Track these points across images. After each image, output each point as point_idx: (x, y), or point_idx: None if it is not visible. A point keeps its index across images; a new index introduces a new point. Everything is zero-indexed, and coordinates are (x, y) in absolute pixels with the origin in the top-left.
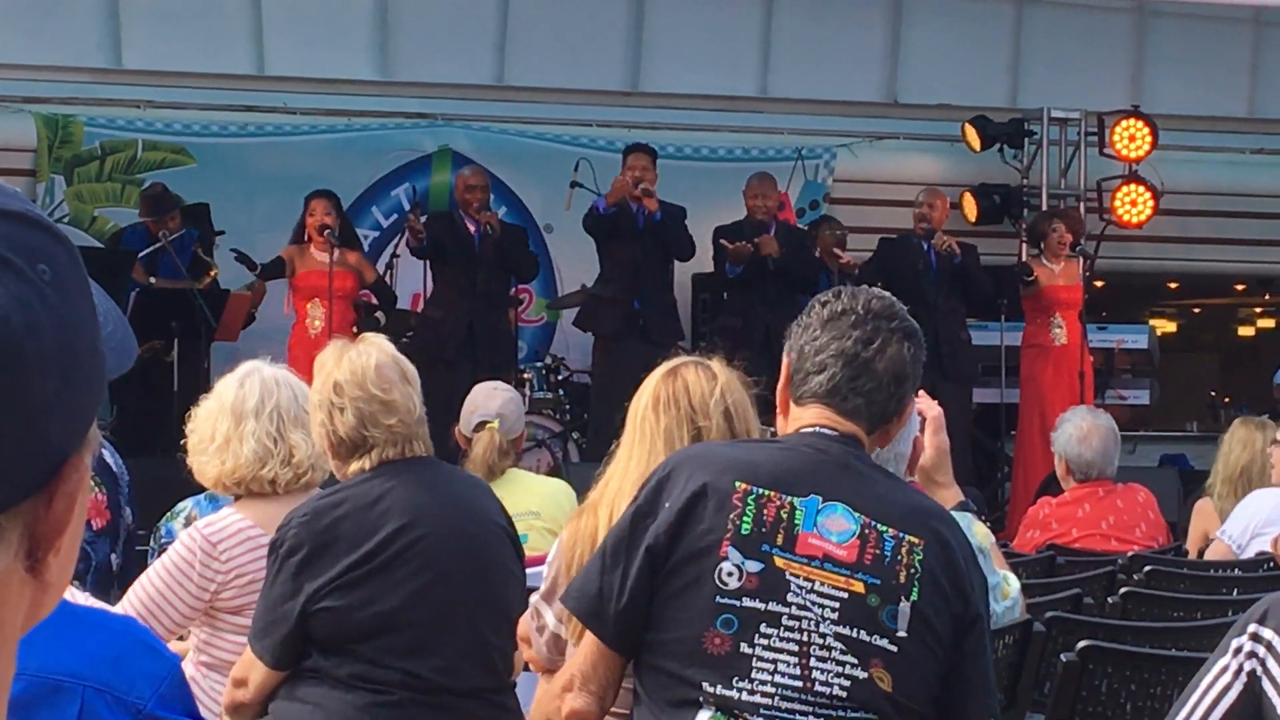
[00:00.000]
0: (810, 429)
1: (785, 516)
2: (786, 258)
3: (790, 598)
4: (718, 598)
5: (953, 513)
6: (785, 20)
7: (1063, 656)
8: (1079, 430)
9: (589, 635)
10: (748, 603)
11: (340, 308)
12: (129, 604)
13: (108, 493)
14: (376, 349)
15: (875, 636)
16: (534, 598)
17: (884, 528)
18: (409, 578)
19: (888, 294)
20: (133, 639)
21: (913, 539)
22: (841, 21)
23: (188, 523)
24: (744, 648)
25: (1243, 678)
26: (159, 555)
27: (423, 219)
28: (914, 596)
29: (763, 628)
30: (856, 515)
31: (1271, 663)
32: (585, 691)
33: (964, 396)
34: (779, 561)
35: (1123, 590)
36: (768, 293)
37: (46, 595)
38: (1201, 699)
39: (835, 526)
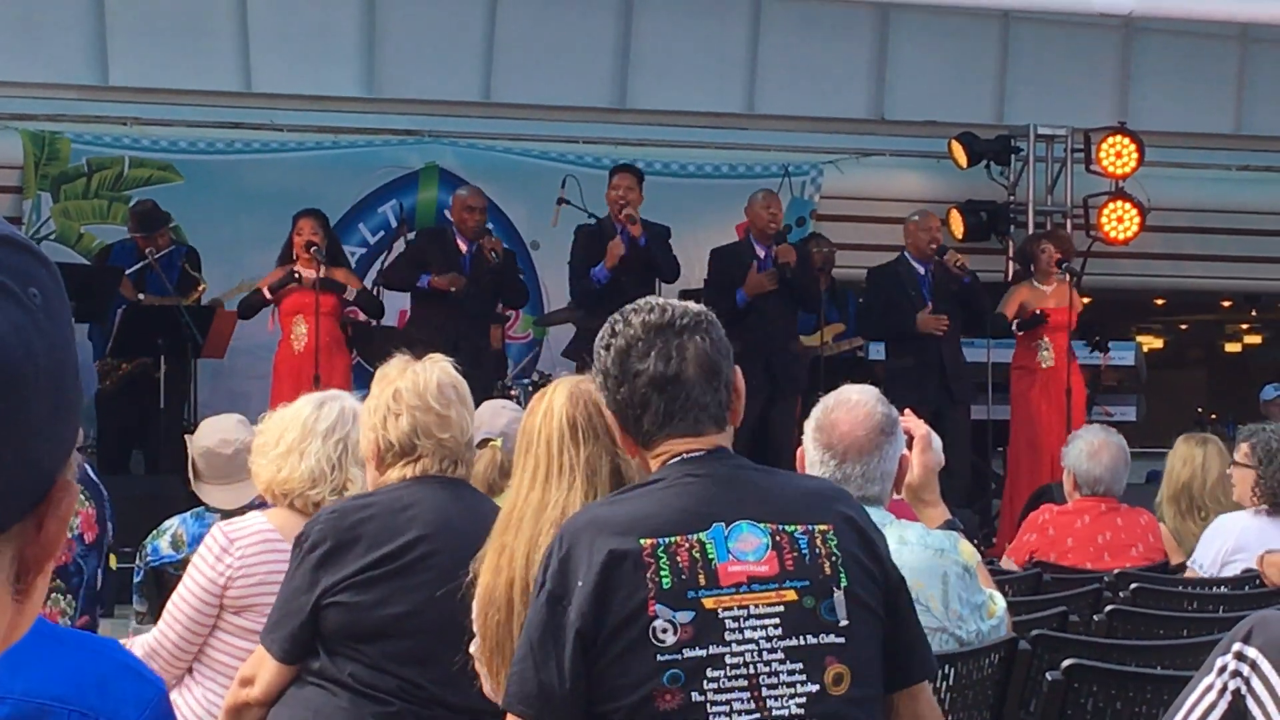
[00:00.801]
0: (675, 458)
1: (699, 556)
2: (796, 271)
3: (728, 635)
4: (659, 656)
5: (939, 531)
6: (772, 37)
7: (1048, 675)
8: (1090, 446)
9: None
10: (689, 653)
11: (326, 324)
12: (167, 607)
13: (95, 506)
14: (440, 368)
15: (823, 635)
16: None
17: (792, 528)
18: (422, 586)
19: (655, 301)
20: (118, 662)
21: (821, 527)
22: (828, 38)
23: (174, 541)
24: (695, 697)
25: (1227, 696)
26: (144, 573)
27: (412, 235)
28: (844, 583)
29: (709, 673)
30: (762, 526)
31: (1256, 681)
32: None
33: (966, 418)
34: (708, 603)
35: (1109, 608)
36: (767, 312)
37: (23, 617)
38: (1187, 717)
39: (747, 546)
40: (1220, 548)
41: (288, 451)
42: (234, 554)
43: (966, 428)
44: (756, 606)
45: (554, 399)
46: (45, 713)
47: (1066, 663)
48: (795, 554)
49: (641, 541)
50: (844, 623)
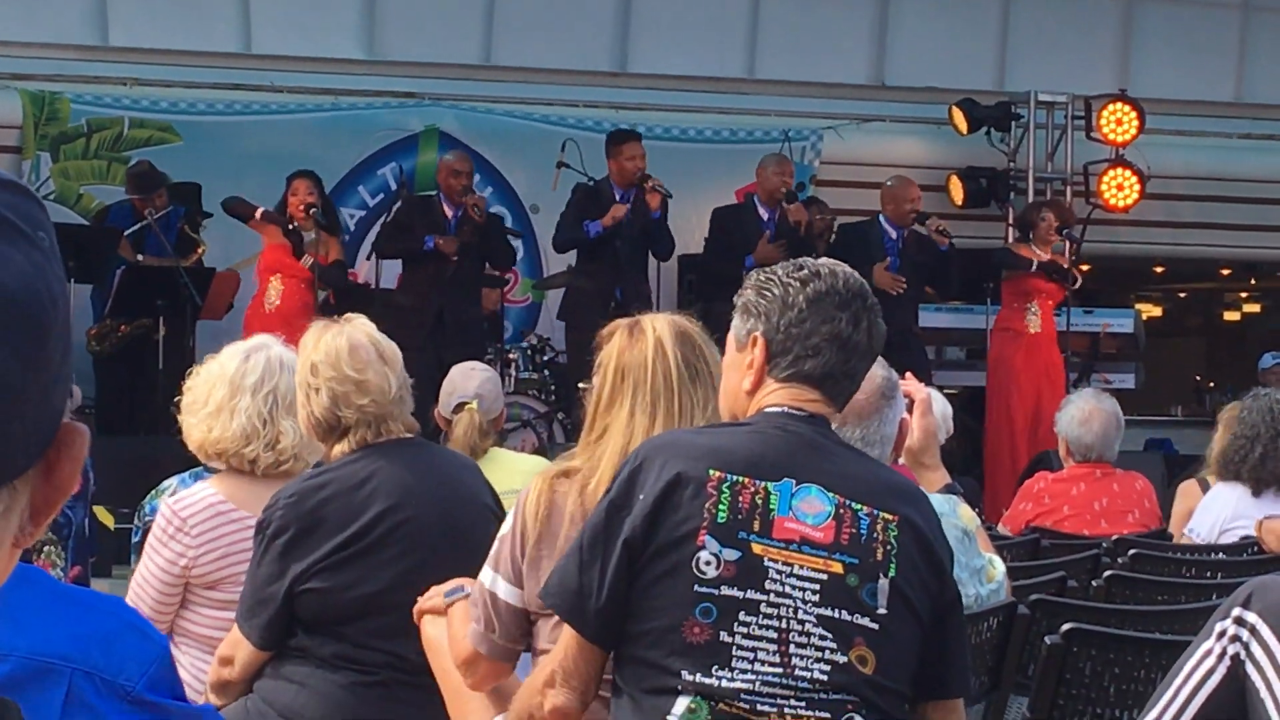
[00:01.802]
0: (776, 409)
1: (760, 502)
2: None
3: (768, 584)
4: (696, 586)
5: (938, 495)
6: (773, 2)
7: (1047, 639)
8: (1081, 412)
9: (569, 630)
10: (726, 591)
11: (301, 288)
12: (132, 584)
13: None
14: (353, 329)
15: (857, 615)
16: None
17: (858, 506)
18: (395, 559)
19: (852, 269)
20: (122, 621)
21: (887, 515)
22: (829, 4)
23: None
24: (723, 636)
25: (1226, 661)
26: (144, 533)
27: (399, 205)
28: (892, 573)
29: (741, 615)
30: (831, 495)
31: (1255, 646)
32: (567, 687)
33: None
34: (756, 548)
35: (1107, 573)
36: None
37: (12, 561)
38: (1185, 682)
39: (810, 509)
40: (1218, 516)
41: (217, 410)
42: (190, 533)
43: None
44: (801, 568)
45: (661, 337)
46: (49, 670)
47: (1065, 627)
48: (854, 530)
49: (710, 472)
50: (881, 611)
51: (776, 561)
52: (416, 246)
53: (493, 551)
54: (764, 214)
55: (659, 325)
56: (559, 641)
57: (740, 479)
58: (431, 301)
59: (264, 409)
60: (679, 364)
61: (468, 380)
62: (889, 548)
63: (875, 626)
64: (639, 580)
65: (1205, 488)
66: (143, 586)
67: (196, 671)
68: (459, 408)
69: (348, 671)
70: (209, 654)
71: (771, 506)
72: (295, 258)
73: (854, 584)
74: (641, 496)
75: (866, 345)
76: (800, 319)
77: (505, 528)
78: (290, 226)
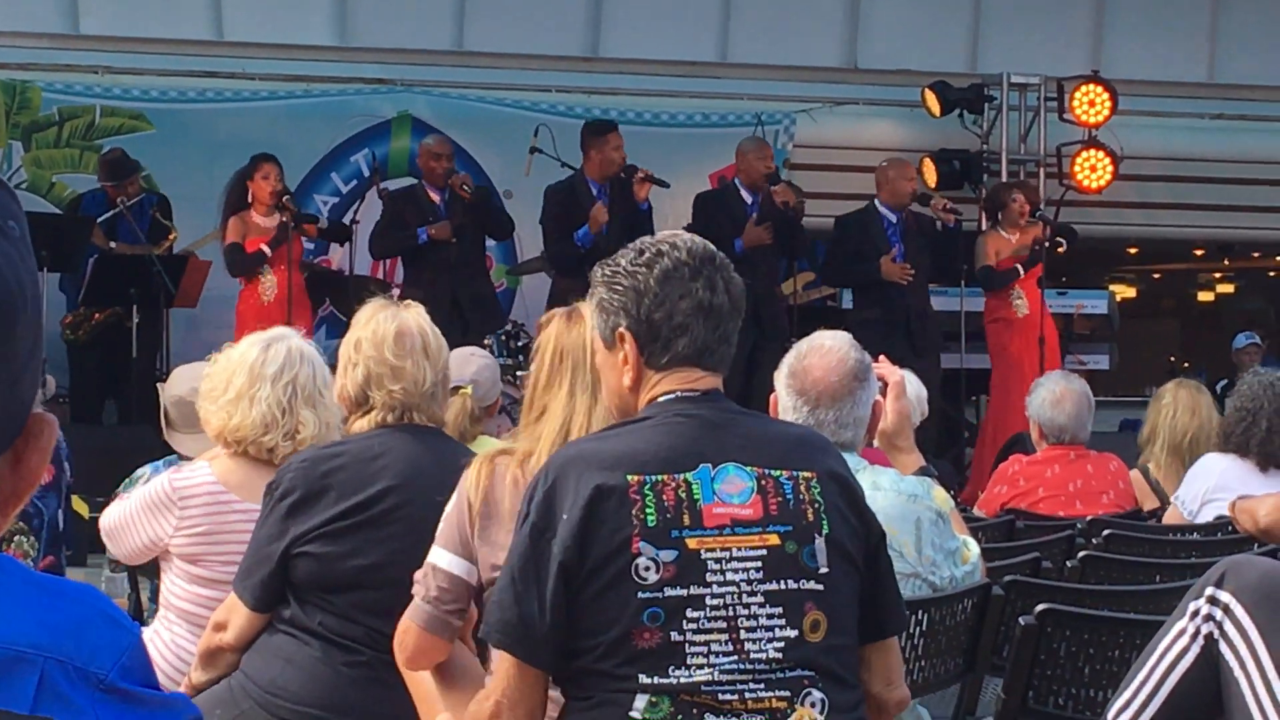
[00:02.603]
0: (668, 395)
1: (684, 495)
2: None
3: (709, 576)
4: (639, 593)
5: (913, 478)
6: None
7: (1021, 620)
8: (1052, 394)
9: (509, 659)
10: (670, 592)
11: (295, 275)
12: (109, 515)
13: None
14: (407, 315)
15: (803, 581)
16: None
17: (777, 472)
18: (393, 537)
19: (692, 235)
20: (93, 609)
21: (806, 474)
22: None
23: None
24: (674, 636)
25: (1200, 640)
26: None
27: (384, 185)
28: (825, 530)
29: (689, 613)
30: (749, 470)
31: (1228, 625)
32: (514, 716)
33: (935, 369)
34: (691, 543)
35: (1081, 554)
36: (755, 259)
37: None
38: (1159, 661)
39: (733, 489)
40: (1203, 486)
41: (237, 398)
42: (178, 510)
43: (936, 378)
44: (739, 549)
45: (559, 325)
46: (20, 660)
47: (1040, 608)
48: (780, 499)
49: (629, 478)
50: (824, 570)
51: (714, 550)
52: (411, 241)
53: (438, 531)
54: (748, 198)
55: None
56: (498, 672)
57: (659, 477)
58: (443, 289)
59: (284, 398)
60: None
61: (465, 365)
62: (817, 505)
63: (821, 587)
64: (580, 598)
65: (1146, 475)
66: (123, 535)
67: (179, 650)
68: (453, 392)
69: (334, 649)
70: (190, 630)
71: (696, 496)
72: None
73: (793, 550)
74: (565, 516)
75: (730, 305)
76: (658, 302)
77: (449, 508)
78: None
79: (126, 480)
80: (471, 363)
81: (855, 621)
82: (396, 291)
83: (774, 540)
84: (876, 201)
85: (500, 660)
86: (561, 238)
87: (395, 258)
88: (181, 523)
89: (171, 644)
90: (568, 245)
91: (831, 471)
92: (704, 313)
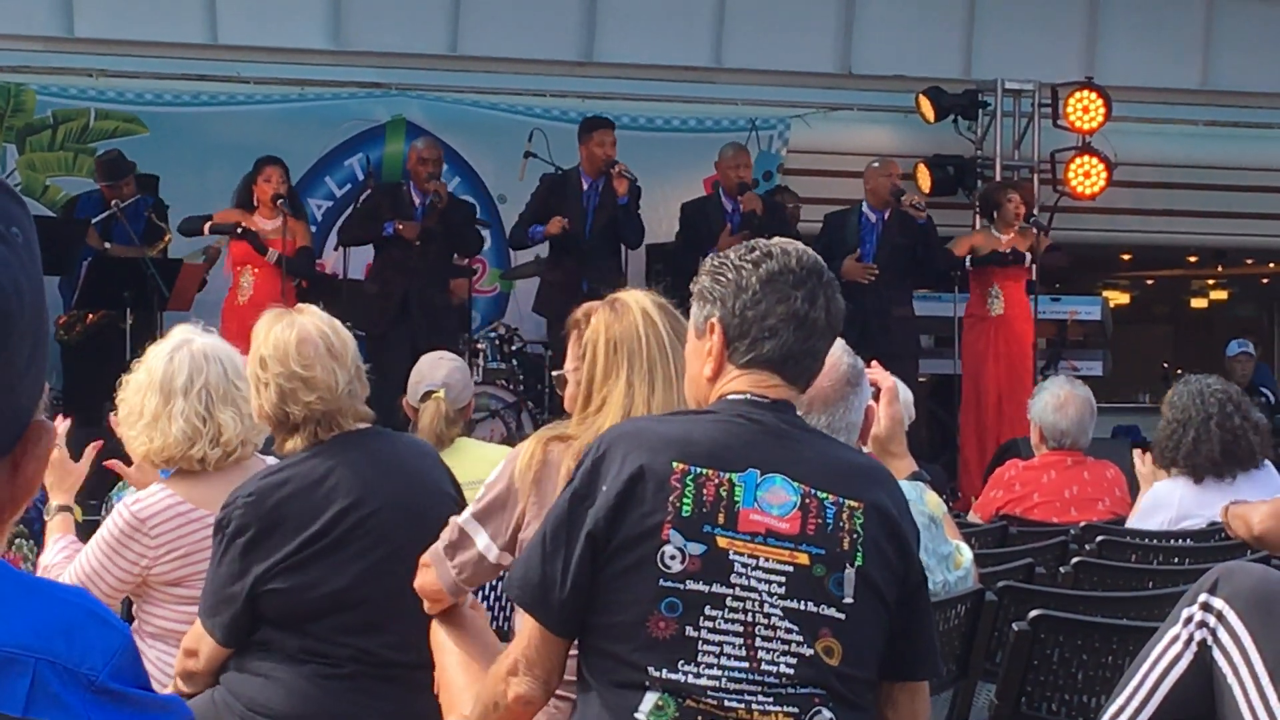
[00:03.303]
0: (739, 396)
1: (725, 494)
2: (767, 221)
3: (733, 578)
4: (660, 581)
5: (905, 483)
6: None
7: (1014, 626)
8: (1055, 398)
9: (530, 619)
10: (691, 585)
11: (270, 277)
12: (71, 575)
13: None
14: (304, 321)
15: (823, 606)
16: (460, 517)
17: (824, 495)
18: (358, 555)
19: (805, 247)
20: (84, 610)
21: (853, 503)
22: None
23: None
24: (689, 631)
25: (1193, 647)
26: None
27: (368, 193)
28: (859, 562)
29: (707, 610)
30: (796, 485)
31: (1222, 632)
32: (530, 676)
33: (910, 371)
34: (721, 541)
35: (1075, 560)
36: None
37: None
38: (1153, 668)
39: (775, 500)
40: (1165, 518)
41: (154, 419)
42: (150, 534)
43: (912, 382)
44: (767, 560)
45: (645, 308)
46: (11, 661)
47: (1033, 613)
48: (820, 520)
49: (674, 464)
50: (848, 600)
51: (742, 555)
52: (377, 231)
53: (483, 502)
54: (728, 205)
55: (639, 298)
56: (521, 630)
57: (704, 471)
58: (397, 287)
59: (199, 407)
60: (668, 331)
61: (435, 369)
62: (855, 536)
63: (842, 617)
64: (603, 573)
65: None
66: (94, 582)
67: (163, 665)
68: (426, 396)
69: (314, 665)
70: (172, 648)
71: (736, 499)
72: (259, 254)
73: (820, 574)
74: (605, 488)
75: (825, 323)
76: (755, 300)
77: (498, 486)
78: (239, 231)
79: (119, 485)
80: (441, 366)
81: (876, 658)
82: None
83: (803, 560)
84: (863, 203)
85: (524, 620)
86: (523, 223)
87: (358, 246)
88: (155, 549)
89: (156, 661)
90: (523, 231)
91: (881, 506)
92: (797, 321)
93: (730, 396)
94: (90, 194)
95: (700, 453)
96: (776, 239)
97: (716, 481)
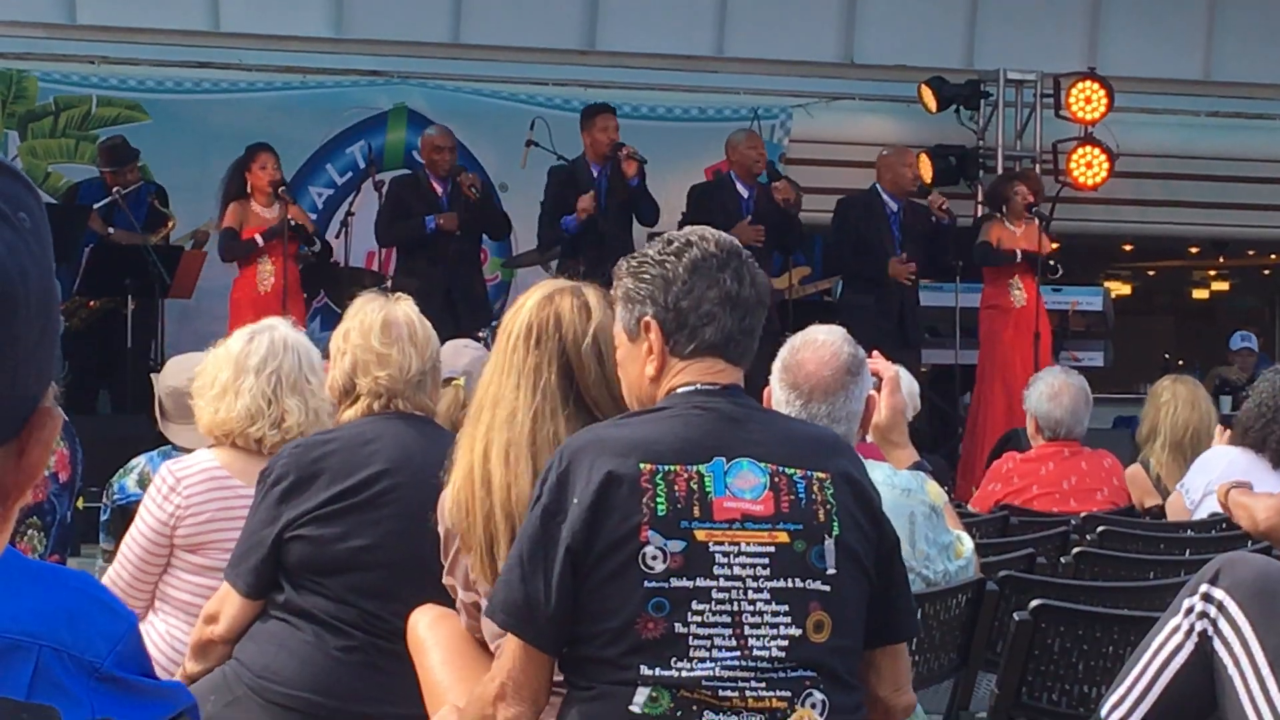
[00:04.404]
0: (688, 387)
1: (696, 487)
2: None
3: (716, 570)
4: (645, 582)
5: (906, 472)
6: None
7: (1015, 615)
8: (1050, 388)
9: (516, 642)
10: (676, 583)
11: (291, 266)
12: (120, 547)
13: (69, 447)
14: (395, 307)
15: (810, 580)
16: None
17: (791, 470)
18: (386, 520)
19: (718, 231)
20: (89, 596)
21: (820, 475)
22: None
23: (141, 479)
24: (678, 628)
25: (1194, 637)
26: (111, 512)
27: (379, 176)
28: (836, 531)
29: (694, 605)
30: (763, 466)
31: (1223, 622)
32: (519, 700)
33: (916, 361)
34: (700, 535)
35: (1076, 550)
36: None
37: None
38: (1154, 658)
39: (745, 484)
40: (1208, 478)
41: (223, 392)
42: (181, 493)
43: (916, 371)
44: (747, 544)
45: (524, 301)
46: (15, 648)
47: (1034, 603)
48: (792, 497)
49: (641, 466)
50: (831, 571)
51: (722, 544)
52: (419, 230)
53: (445, 556)
54: (743, 191)
55: (535, 291)
56: (504, 653)
57: (672, 468)
58: (437, 281)
59: (268, 389)
60: (522, 326)
61: (457, 357)
62: (829, 507)
63: (828, 589)
64: (586, 584)
65: (1147, 468)
66: (129, 546)
67: (174, 640)
68: (445, 383)
69: (326, 632)
70: (186, 621)
71: (708, 489)
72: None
73: (801, 549)
74: (575, 501)
75: (756, 298)
76: (686, 290)
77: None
78: (293, 226)
79: (121, 471)
80: (464, 354)
81: (861, 625)
82: (389, 282)
83: (783, 538)
84: (878, 188)
85: (506, 642)
86: (552, 222)
87: (402, 247)
88: (185, 510)
89: (166, 635)
90: (553, 229)
91: (846, 475)
92: (731, 303)
93: (679, 390)
94: (92, 181)
95: (664, 450)
96: (687, 229)
97: (686, 476)
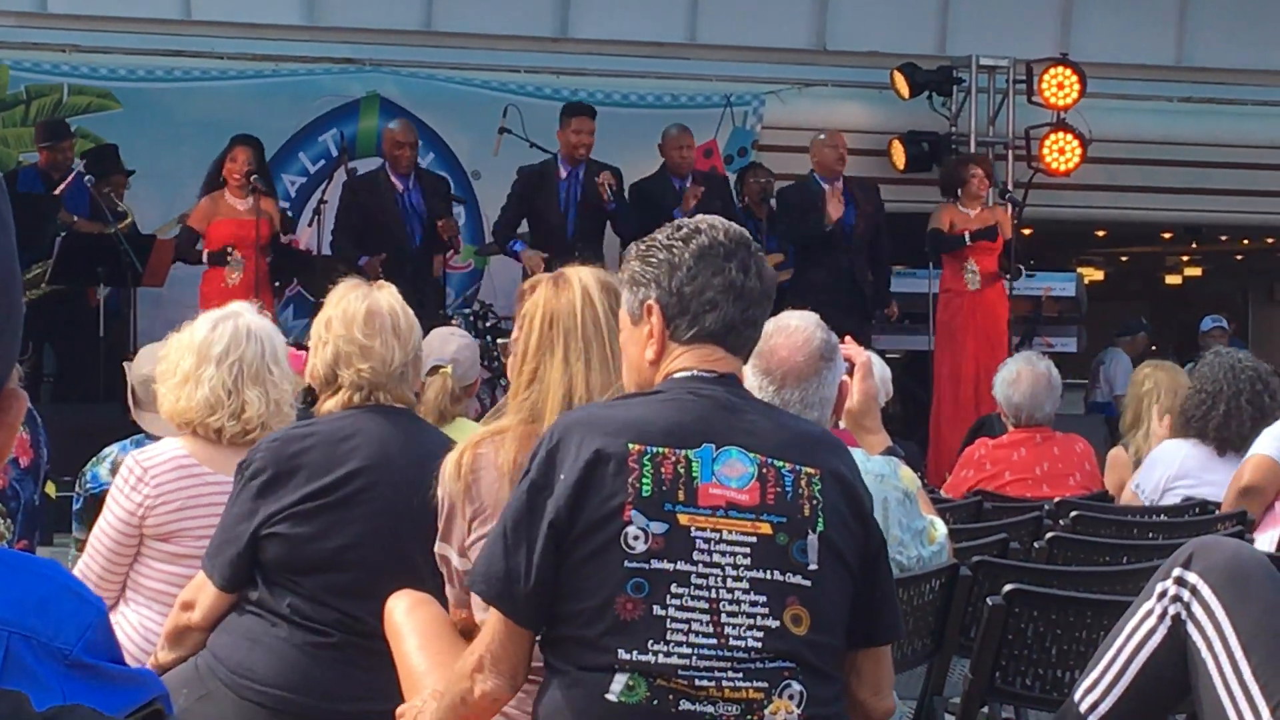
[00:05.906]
0: (685, 373)
1: (683, 471)
2: (705, 207)
3: (696, 555)
4: (626, 562)
5: (880, 458)
6: None
7: (989, 600)
8: (1010, 374)
9: (496, 615)
10: (656, 564)
11: (257, 259)
12: (90, 537)
13: (30, 432)
14: (379, 296)
15: (790, 574)
16: (436, 546)
17: (780, 463)
18: (362, 519)
19: (729, 221)
20: (58, 584)
21: (809, 470)
22: None
23: (113, 468)
24: (656, 610)
25: (1167, 621)
26: (84, 500)
27: (352, 164)
28: (820, 528)
29: (673, 588)
30: (752, 456)
31: (1196, 606)
32: (496, 672)
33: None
34: (683, 518)
35: (1049, 535)
36: None
37: None
38: (1127, 642)
39: (733, 472)
40: (1163, 474)
41: (184, 380)
42: (149, 483)
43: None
44: (730, 533)
45: (587, 286)
46: None
47: (1007, 588)
48: (778, 489)
49: (630, 446)
50: (813, 567)
51: (704, 530)
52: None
53: (440, 521)
54: (676, 185)
55: (584, 275)
56: (486, 626)
57: (660, 450)
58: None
59: (228, 379)
60: (606, 312)
61: (445, 344)
62: (815, 502)
63: (808, 584)
64: (567, 561)
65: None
66: (99, 537)
67: (145, 631)
68: (433, 371)
69: (302, 630)
70: (159, 611)
71: (694, 474)
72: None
73: (783, 542)
74: (562, 476)
75: (761, 290)
76: (691, 276)
77: (440, 498)
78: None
79: (93, 460)
80: (451, 342)
81: (843, 624)
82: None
83: (766, 529)
84: (813, 173)
85: (489, 618)
86: (506, 226)
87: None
88: (154, 499)
89: (139, 625)
90: (505, 237)
91: (836, 472)
92: (734, 292)
93: (676, 375)
94: (27, 167)
95: (655, 432)
96: (700, 216)
97: (674, 459)
